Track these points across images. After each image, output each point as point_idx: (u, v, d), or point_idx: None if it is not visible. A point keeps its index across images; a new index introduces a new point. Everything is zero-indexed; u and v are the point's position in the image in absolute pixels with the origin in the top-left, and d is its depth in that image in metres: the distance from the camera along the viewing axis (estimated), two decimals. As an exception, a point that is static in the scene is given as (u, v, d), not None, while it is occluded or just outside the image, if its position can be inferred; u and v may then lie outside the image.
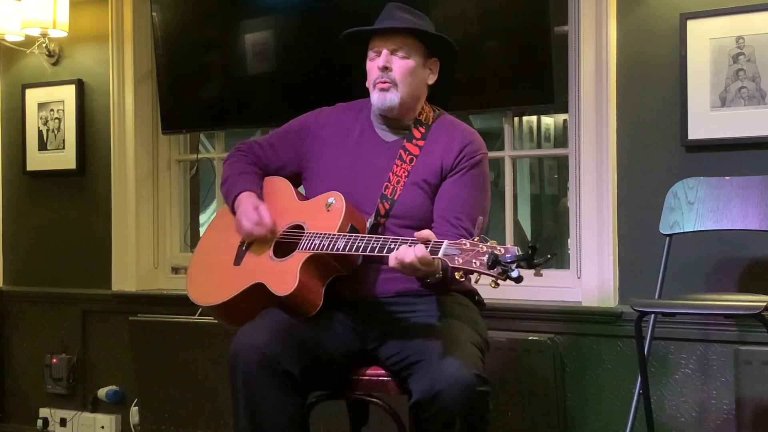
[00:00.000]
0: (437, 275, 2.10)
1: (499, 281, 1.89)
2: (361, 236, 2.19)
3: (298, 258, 2.25)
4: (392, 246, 2.08)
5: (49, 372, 4.08)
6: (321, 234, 2.24)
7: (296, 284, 2.20)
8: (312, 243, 2.24)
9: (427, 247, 2.01)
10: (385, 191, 2.34)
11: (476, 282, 2.00)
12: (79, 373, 4.05)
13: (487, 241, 1.93)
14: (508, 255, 1.86)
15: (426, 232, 2.04)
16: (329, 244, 2.20)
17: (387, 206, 2.33)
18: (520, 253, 1.86)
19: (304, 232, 2.30)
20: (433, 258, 2.01)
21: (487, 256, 1.88)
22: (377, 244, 2.13)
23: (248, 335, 2.20)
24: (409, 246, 2.04)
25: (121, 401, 3.94)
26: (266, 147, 2.55)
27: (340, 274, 2.30)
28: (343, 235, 2.20)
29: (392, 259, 2.06)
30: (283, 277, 2.25)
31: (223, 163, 2.62)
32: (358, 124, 2.49)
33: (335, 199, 2.32)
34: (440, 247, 1.98)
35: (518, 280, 1.86)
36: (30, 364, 4.20)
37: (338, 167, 2.43)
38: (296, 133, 2.53)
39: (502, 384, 2.97)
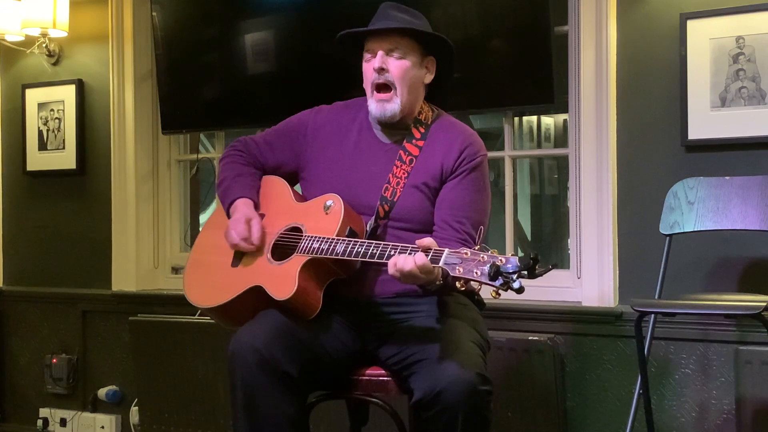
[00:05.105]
0: (437, 282, 2.08)
1: (500, 291, 1.87)
2: (360, 241, 2.17)
3: (296, 261, 2.23)
4: (392, 253, 2.06)
5: (49, 372, 4.08)
6: (320, 237, 2.22)
7: (295, 289, 2.19)
8: (310, 246, 2.22)
9: (427, 255, 1.99)
10: (384, 193, 2.32)
11: (478, 291, 1.98)
12: (79, 373, 4.04)
13: (488, 250, 1.90)
14: (510, 266, 1.83)
15: (427, 240, 2.02)
16: (328, 248, 2.18)
17: (387, 208, 2.31)
18: (522, 263, 1.82)
19: (302, 235, 2.28)
20: (434, 267, 1.99)
21: (488, 266, 1.85)
22: (377, 250, 2.10)
23: (247, 336, 2.18)
24: (409, 254, 2.02)
25: (121, 401, 3.94)
26: (263, 146, 2.52)
27: (338, 278, 2.28)
28: (342, 240, 2.18)
29: (391, 267, 2.04)
30: (282, 280, 2.23)
31: (219, 161, 2.60)
32: (356, 124, 2.45)
33: (333, 202, 2.29)
34: (441, 256, 1.96)
35: (520, 291, 1.84)
36: (30, 364, 4.19)
37: (336, 169, 2.40)
38: (294, 131, 2.50)
39: (503, 384, 2.97)
